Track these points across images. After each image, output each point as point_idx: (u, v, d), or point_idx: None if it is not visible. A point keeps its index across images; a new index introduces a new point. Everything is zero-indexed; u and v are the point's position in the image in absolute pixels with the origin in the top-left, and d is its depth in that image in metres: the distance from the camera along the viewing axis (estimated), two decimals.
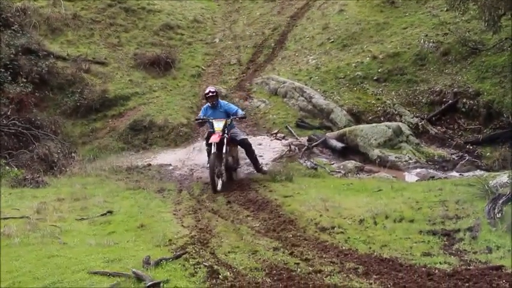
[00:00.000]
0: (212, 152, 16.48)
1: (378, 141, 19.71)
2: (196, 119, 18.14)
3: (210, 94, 17.42)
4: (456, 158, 20.01)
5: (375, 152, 19.38)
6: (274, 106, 22.70)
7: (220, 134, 16.79)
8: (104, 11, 26.85)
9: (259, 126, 21.66)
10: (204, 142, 17.51)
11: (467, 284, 7.13)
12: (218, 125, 16.97)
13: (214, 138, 16.65)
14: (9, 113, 21.21)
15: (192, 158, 20.01)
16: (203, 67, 25.38)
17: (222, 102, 17.99)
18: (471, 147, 20.77)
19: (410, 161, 19.02)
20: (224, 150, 16.70)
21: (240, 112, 17.87)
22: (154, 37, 26.35)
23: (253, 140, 20.46)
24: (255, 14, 28.35)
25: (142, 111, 22.87)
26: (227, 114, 17.49)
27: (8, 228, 13.26)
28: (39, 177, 18.48)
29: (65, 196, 16.44)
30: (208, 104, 17.62)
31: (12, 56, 22.85)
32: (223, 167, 16.84)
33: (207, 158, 17.15)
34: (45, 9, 25.92)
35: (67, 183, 18.26)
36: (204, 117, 17.49)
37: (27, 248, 12.15)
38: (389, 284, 8.38)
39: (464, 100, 21.93)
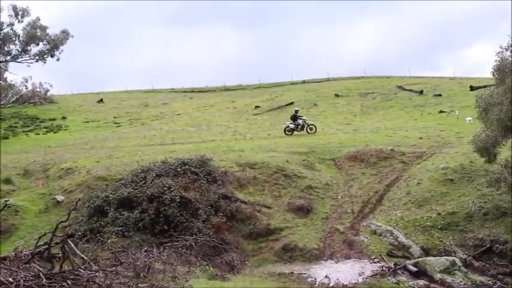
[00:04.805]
0: None
1: (439, 268, 19.28)
2: None
3: None
4: (491, 283, 19.39)
5: (438, 276, 18.96)
6: (373, 241, 22.26)
7: None
8: (271, 175, 27.67)
9: (363, 253, 21.29)
10: None
11: None
12: None
13: None
14: (211, 234, 22.10)
15: (318, 271, 19.79)
16: (329, 213, 25.33)
17: None
18: (501, 276, 20.02)
19: (461, 283, 18.61)
20: None
21: None
22: (301, 193, 26.69)
23: (359, 263, 20.31)
24: (364, 182, 28.23)
25: (291, 238, 22.95)
26: None
27: None
28: (225, 274, 18.80)
29: None
30: None
31: (215, 199, 24.13)
32: None
33: None
34: (237, 172, 27.10)
35: (241, 280, 18.49)
36: None
37: None
38: None
39: (497, 245, 21.22)
